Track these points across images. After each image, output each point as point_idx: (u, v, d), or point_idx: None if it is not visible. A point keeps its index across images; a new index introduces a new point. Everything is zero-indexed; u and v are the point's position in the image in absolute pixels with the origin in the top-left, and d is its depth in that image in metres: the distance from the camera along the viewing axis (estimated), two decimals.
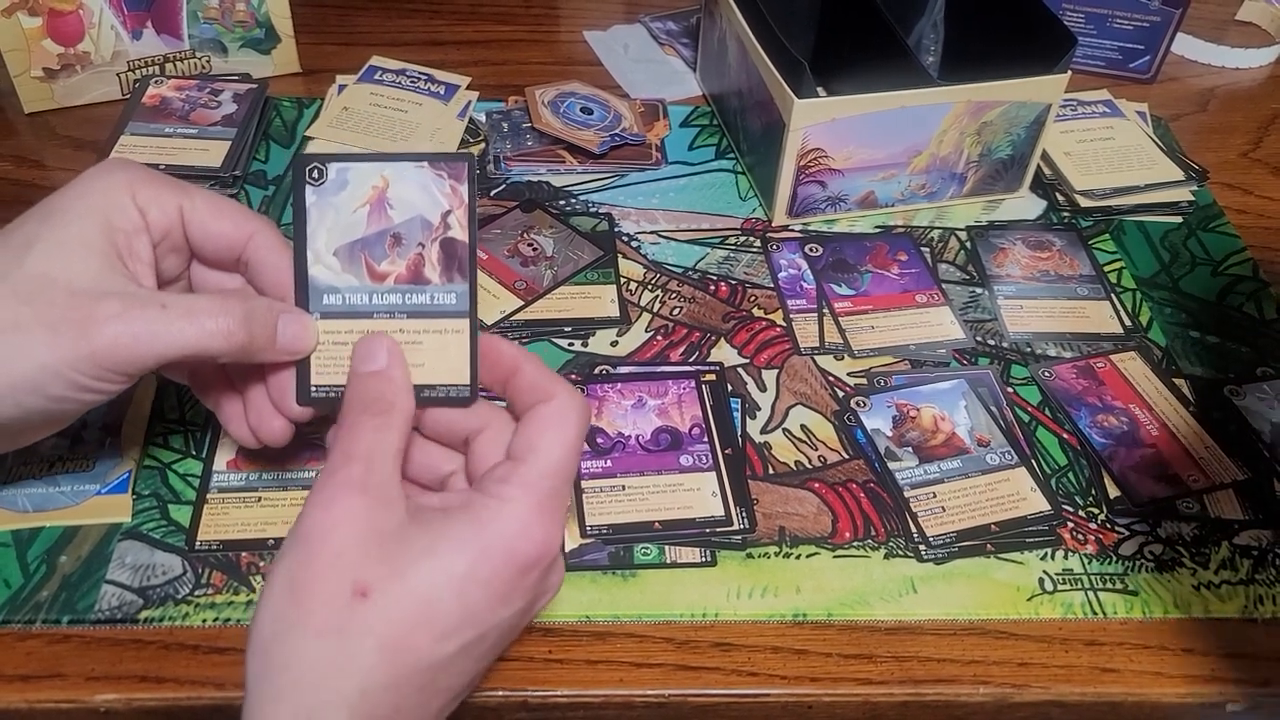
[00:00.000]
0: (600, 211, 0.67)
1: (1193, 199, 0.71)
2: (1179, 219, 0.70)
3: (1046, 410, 0.57)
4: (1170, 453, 0.55)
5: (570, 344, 0.59)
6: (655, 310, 0.61)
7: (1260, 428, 0.57)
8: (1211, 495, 0.54)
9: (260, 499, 0.50)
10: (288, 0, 0.73)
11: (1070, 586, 0.50)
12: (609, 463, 0.53)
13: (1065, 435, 0.56)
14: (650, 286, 0.63)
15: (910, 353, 0.60)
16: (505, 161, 0.70)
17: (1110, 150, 0.72)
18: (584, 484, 0.52)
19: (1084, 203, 0.69)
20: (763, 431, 0.55)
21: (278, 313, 0.42)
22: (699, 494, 0.52)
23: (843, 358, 0.59)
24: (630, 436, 0.54)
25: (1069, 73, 0.65)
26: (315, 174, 0.41)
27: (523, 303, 0.61)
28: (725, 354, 0.59)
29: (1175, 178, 0.71)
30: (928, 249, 0.67)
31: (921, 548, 0.51)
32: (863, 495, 0.53)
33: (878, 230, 0.68)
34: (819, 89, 0.62)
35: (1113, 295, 0.64)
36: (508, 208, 0.67)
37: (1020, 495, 0.53)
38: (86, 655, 0.45)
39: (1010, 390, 0.58)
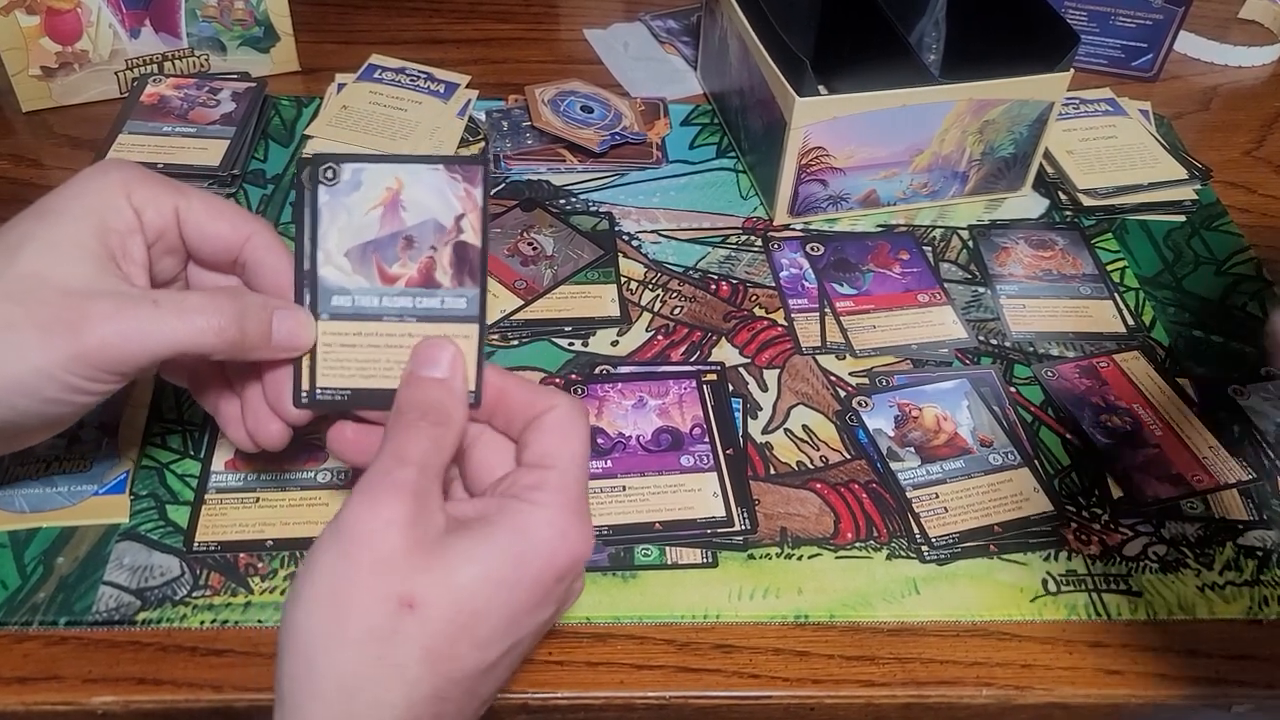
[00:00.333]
0: (601, 210, 0.67)
1: (1196, 198, 0.70)
2: (1182, 218, 0.70)
3: (1049, 410, 0.57)
4: (1174, 453, 0.55)
5: (570, 344, 0.59)
6: (656, 310, 0.61)
7: (1264, 428, 0.57)
8: (1215, 496, 0.53)
9: (259, 500, 0.50)
10: None
11: (1074, 587, 0.49)
12: (609, 463, 0.52)
13: (1068, 435, 0.56)
14: (651, 286, 0.62)
15: (912, 352, 0.60)
16: (505, 160, 0.69)
17: (1113, 149, 0.72)
18: None
19: (1087, 201, 0.69)
20: (764, 431, 0.55)
21: (272, 309, 0.41)
22: (700, 494, 0.51)
23: (844, 357, 0.59)
24: (631, 437, 0.54)
25: (1071, 71, 0.65)
26: (329, 174, 0.41)
27: (523, 302, 0.61)
28: (726, 354, 0.59)
29: (1178, 176, 0.70)
30: (930, 248, 0.66)
31: (924, 548, 0.50)
32: (865, 496, 0.52)
33: (879, 229, 0.67)
34: (820, 87, 0.61)
35: (1116, 294, 0.64)
36: (508, 207, 0.66)
37: (1023, 496, 0.52)
38: (84, 657, 0.44)
39: (1013, 390, 0.58)
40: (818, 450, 0.54)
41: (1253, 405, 0.58)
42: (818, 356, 0.59)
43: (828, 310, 0.62)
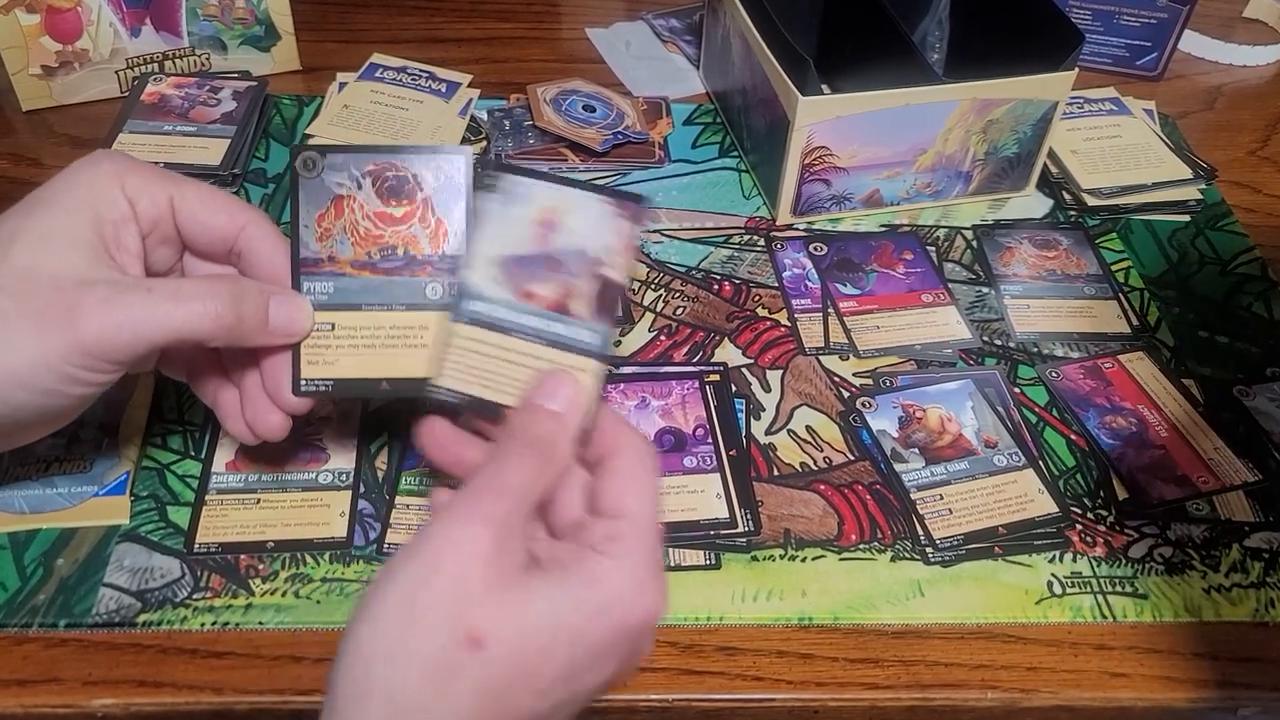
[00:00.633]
0: None
1: (1201, 197, 0.70)
2: (1187, 218, 0.70)
3: (1054, 411, 0.57)
4: (1179, 454, 0.55)
5: None
6: (658, 310, 0.61)
7: (1270, 429, 0.56)
8: (1221, 497, 0.53)
9: (259, 501, 0.50)
10: None
11: (1079, 590, 0.49)
12: None
13: (1073, 436, 0.56)
14: (653, 286, 0.62)
15: (916, 353, 0.59)
16: (507, 160, 0.69)
17: (1117, 148, 0.72)
18: None
19: (1091, 201, 0.69)
20: (767, 432, 0.55)
21: (269, 295, 0.41)
22: (703, 496, 0.51)
23: (848, 358, 0.59)
24: None
25: (1075, 70, 0.64)
26: (488, 183, 0.42)
27: None
28: (729, 354, 0.59)
29: (1183, 176, 0.70)
30: (933, 248, 0.66)
31: (928, 550, 0.50)
32: (869, 497, 0.52)
33: (883, 229, 0.67)
34: (823, 86, 0.61)
35: (1120, 295, 0.64)
36: None
37: (1028, 497, 0.52)
38: (84, 659, 0.44)
39: (1017, 391, 0.58)
40: (821, 451, 0.54)
41: (1258, 406, 0.58)
42: (821, 357, 0.59)
43: (831, 310, 0.61)
